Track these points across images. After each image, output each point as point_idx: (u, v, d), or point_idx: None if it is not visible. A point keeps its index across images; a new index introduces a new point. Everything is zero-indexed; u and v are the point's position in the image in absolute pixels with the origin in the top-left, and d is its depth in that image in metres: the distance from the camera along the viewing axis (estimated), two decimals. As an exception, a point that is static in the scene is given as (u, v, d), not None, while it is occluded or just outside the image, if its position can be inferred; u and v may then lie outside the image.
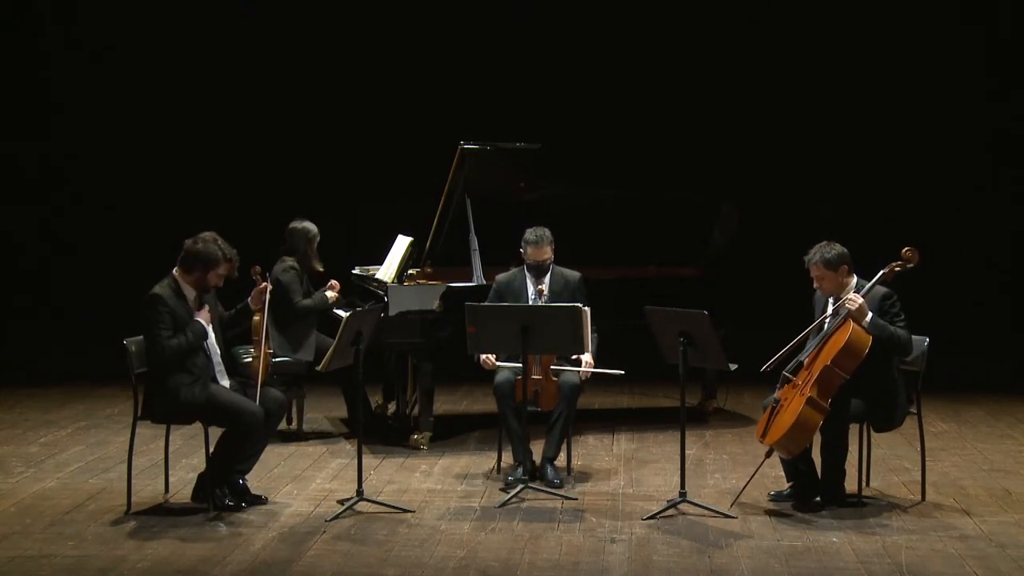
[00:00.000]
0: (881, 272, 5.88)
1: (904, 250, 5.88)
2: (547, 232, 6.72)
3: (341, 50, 11.30)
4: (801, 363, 5.92)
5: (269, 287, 6.12)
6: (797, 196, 10.83)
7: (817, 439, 5.88)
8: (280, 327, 7.38)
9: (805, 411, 5.73)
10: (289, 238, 7.61)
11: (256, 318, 6.08)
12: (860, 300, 5.77)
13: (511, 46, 11.01)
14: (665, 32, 11.20)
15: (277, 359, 7.27)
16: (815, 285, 6.01)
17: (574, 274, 6.81)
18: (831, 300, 6.00)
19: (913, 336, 6.04)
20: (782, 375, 5.95)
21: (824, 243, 5.96)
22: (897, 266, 5.88)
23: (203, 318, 5.89)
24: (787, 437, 5.74)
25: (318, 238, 7.65)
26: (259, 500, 6.04)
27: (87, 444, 7.44)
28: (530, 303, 6.63)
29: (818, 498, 5.93)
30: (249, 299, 6.11)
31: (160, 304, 5.77)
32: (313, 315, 7.52)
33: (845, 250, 5.93)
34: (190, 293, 5.89)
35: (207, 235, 5.92)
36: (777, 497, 6.07)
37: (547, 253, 6.70)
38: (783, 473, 6.13)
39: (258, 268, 6.15)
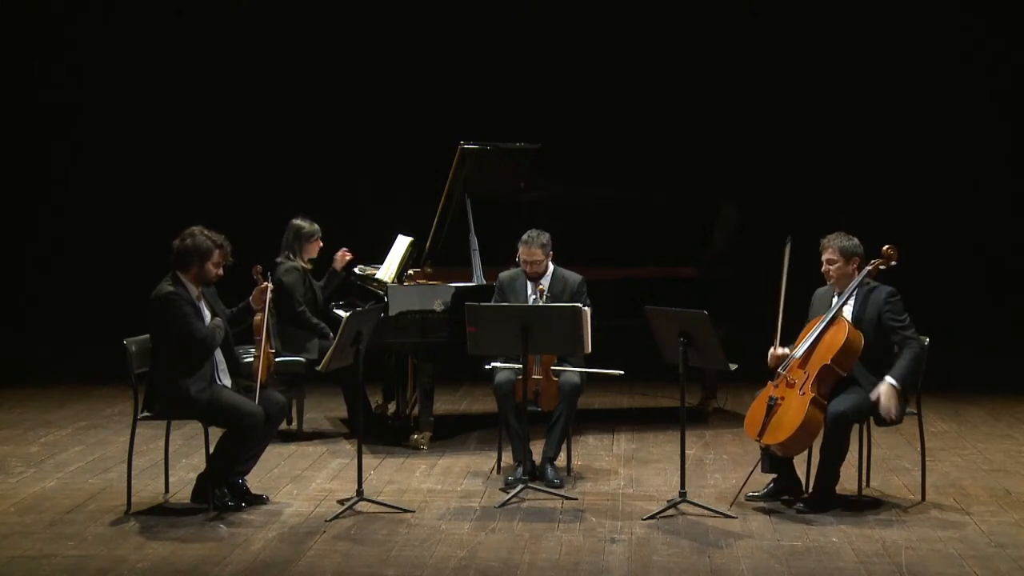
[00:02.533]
0: (866, 269, 5.98)
1: (885, 248, 5.98)
2: (543, 236, 6.67)
3: (341, 50, 11.29)
4: (793, 359, 5.92)
5: (271, 287, 6.12)
6: (797, 196, 10.82)
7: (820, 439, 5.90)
8: (284, 327, 7.43)
9: (811, 412, 5.74)
10: (284, 235, 7.66)
11: (257, 318, 6.09)
12: (893, 404, 5.76)
13: (511, 46, 11.01)
14: (665, 32, 11.19)
15: (279, 359, 7.29)
16: (824, 268, 6.04)
17: (575, 276, 6.79)
18: (835, 296, 6.02)
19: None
20: (776, 372, 5.96)
21: (842, 232, 6.05)
22: (880, 264, 5.98)
23: (251, 298, 6.04)
24: (793, 438, 5.74)
25: (313, 237, 7.62)
26: (259, 500, 6.04)
27: (87, 444, 7.45)
28: (529, 303, 6.64)
29: (800, 504, 5.92)
30: (251, 299, 6.12)
31: (180, 299, 5.80)
32: (311, 326, 7.51)
33: (861, 245, 6.01)
34: (193, 291, 5.91)
35: (193, 229, 5.94)
36: (754, 497, 6.07)
37: (538, 254, 6.66)
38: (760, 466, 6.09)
39: (259, 267, 6.16)
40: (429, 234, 7.78)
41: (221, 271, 5.98)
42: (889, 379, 5.78)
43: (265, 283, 6.10)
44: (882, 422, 5.92)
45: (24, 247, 11.95)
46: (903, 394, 5.82)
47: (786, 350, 5.99)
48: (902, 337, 5.87)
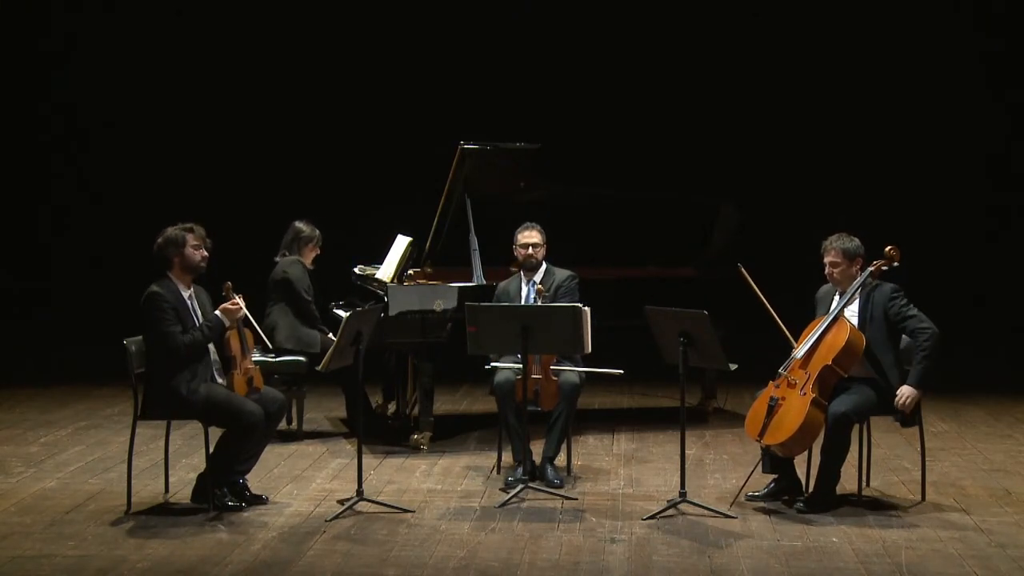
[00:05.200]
0: (868, 270, 6.00)
1: (887, 248, 6.00)
2: (538, 225, 6.81)
3: (341, 50, 11.30)
4: (793, 359, 5.92)
5: (242, 305, 5.97)
6: (797, 196, 10.83)
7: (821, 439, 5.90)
8: (286, 320, 7.42)
9: (812, 412, 5.74)
10: (285, 235, 7.66)
11: (229, 335, 5.95)
12: (912, 395, 5.85)
13: (511, 46, 11.01)
14: (665, 32, 11.20)
15: (280, 359, 7.29)
16: (827, 271, 6.05)
17: (563, 272, 6.84)
18: (838, 295, 6.02)
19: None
20: (778, 372, 5.97)
21: (844, 233, 6.06)
22: (883, 264, 6.00)
23: (220, 311, 5.91)
24: (793, 439, 5.74)
25: (312, 242, 7.60)
26: (259, 500, 6.04)
27: (87, 444, 7.44)
28: (523, 303, 6.66)
29: (800, 503, 5.93)
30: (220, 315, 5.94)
31: (160, 300, 5.79)
32: (315, 319, 7.52)
33: (862, 246, 6.02)
34: (184, 289, 5.91)
35: (164, 229, 5.95)
36: (754, 497, 6.07)
37: (536, 237, 6.75)
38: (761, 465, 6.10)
39: (229, 284, 6.00)
40: (429, 234, 7.78)
41: (205, 252, 5.94)
42: (908, 388, 5.85)
43: (235, 299, 5.96)
44: (903, 421, 5.96)
45: (24, 247, 11.95)
46: (923, 392, 5.89)
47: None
48: (913, 329, 5.89)
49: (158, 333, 5.77)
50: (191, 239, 5.91)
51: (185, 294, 5.91)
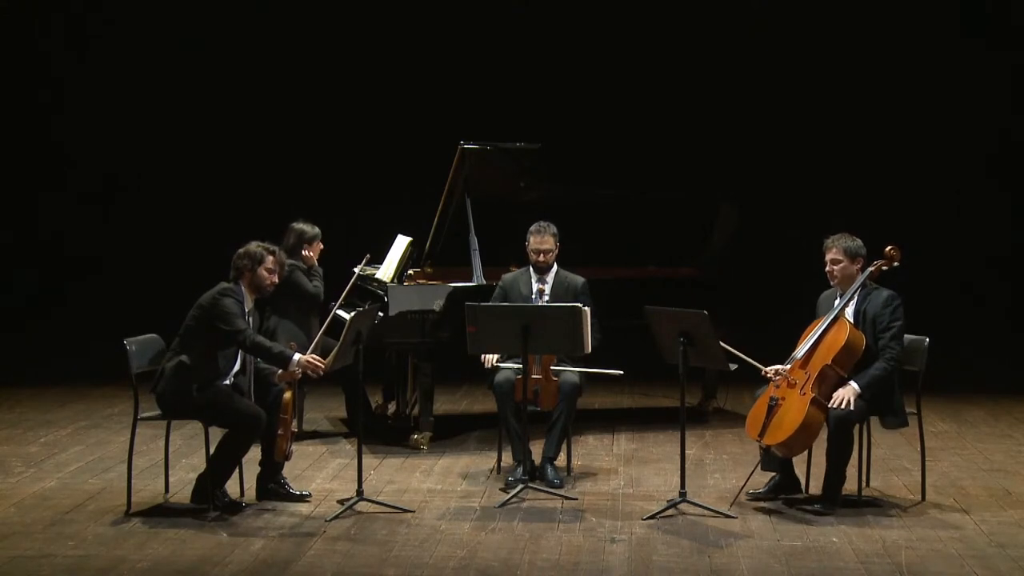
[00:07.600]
0: (868, 270, 5.99)
1: (888, 248, 6.01)
2: (552, 226, 6.76)
3: (341, 50, 11.31)
4: (794, 359, 5.92)
5: (299, 371, 5.97)
6: (797, 196, 10.83)
7: (821, 439, 5.89)
8: (286, 328, 7.35)
9: (811, 412, 5.74)
10: (286, 237, 7.56)
11: (287, 395, 5.93)
12: (849, 396, 5.75)
13: (511, 46, 11.02)
14: (665, 32, 11.21)
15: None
16: (828, 268, 6.04)
17: (577, 278, 6.80)
18: (838, 297, 6.02)
19: (913, 336, 6.05)
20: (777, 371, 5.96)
21: (847, 232, 6.05)
22: (883, 265, 6.00)
23: (298, 356, 5.86)
24: (793, 438, 5.74)
25: (315, 240, 7.51)
26: (302, 498, 6.06)
27: (87, 444, 7.44)
28: (532, 292, 6.66)
29: (817, 505, 5.92)
30: (278, 373, 6.00)
31: (236, 295, 5.85)
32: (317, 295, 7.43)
33: (864, 246, 6.02)
34: (248, 301, 5.95)
35: (248, 244, 6.02)
36: (755, 496, 6.07)
37: (549, 242, 6.72)
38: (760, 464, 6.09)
39: (294, 344, 6.09)
40: (429, 234, 7.78)
41: (275, 280, 6.01)
42: (853, 384, 5.80)
43: (318, 364, 5.93)
44: (889, 424, 5.94)
45: (25, 247, 11.96)
46: (864, 400, 5.81)
47: (777, 367, 5.96)
48: (884, 344, 5.87)
49: (229, 322, 5.75)
50: (269, 262, 5.96)
51: (247, 307, 5.95)
